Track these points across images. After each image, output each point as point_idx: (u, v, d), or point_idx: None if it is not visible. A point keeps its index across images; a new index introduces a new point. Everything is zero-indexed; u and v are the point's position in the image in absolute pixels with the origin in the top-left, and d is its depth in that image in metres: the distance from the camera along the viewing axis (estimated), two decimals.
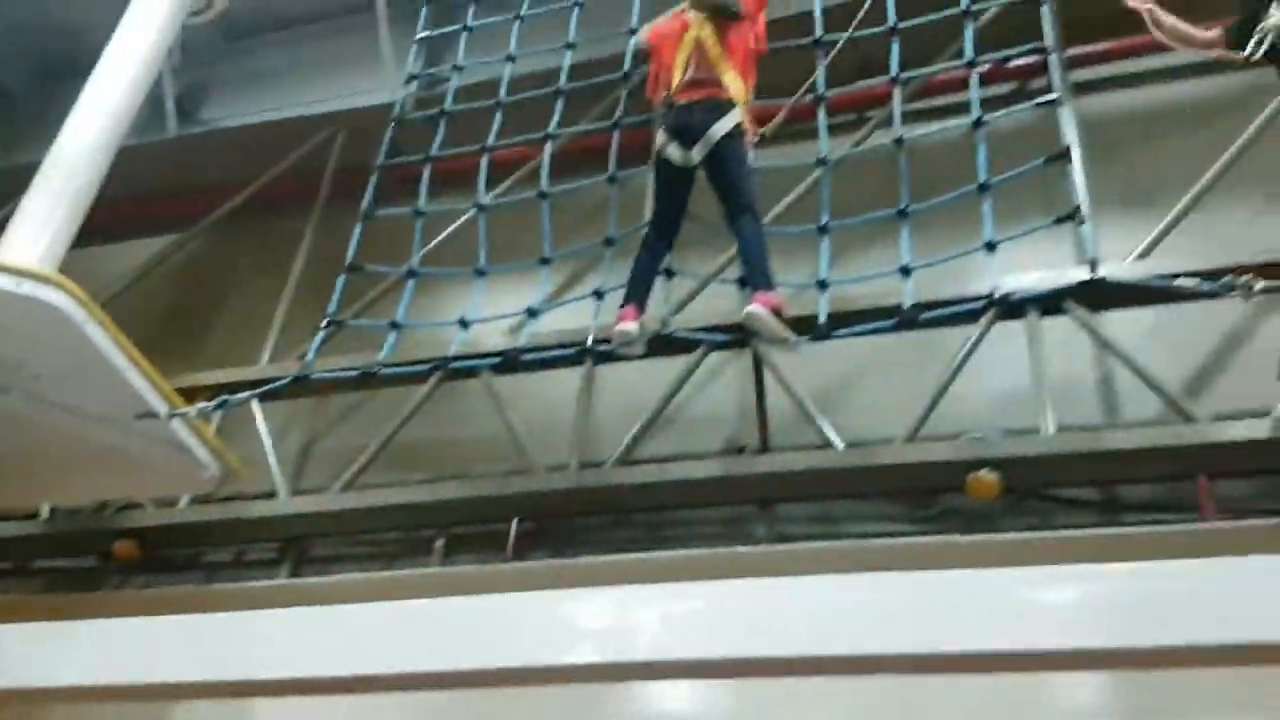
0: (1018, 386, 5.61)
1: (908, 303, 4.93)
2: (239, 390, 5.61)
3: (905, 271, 5.01)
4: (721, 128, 4.89)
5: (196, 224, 8.35)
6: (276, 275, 7.65)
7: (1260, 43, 4.31)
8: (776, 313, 4.75)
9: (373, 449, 6.37)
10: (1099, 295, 5.04)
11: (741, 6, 5.21)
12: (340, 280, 5.87)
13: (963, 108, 6.21)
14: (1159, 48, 6.42)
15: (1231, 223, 5.81)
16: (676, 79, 5.07)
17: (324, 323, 5.72)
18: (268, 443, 6.53)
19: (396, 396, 6.65)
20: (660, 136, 5.04)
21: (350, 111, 8.01)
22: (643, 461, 5.89)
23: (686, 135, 4.94)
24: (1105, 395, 5.73)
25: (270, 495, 6.41)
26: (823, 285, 5.11)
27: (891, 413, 5.80)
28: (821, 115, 5.60)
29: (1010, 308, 5.31)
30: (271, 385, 5.57)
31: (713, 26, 5.14)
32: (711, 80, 5.01)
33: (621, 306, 5.02)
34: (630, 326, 4.93)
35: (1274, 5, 4.32)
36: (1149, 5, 4.75)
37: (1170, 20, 4.74)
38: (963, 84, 6.51)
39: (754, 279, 4.86)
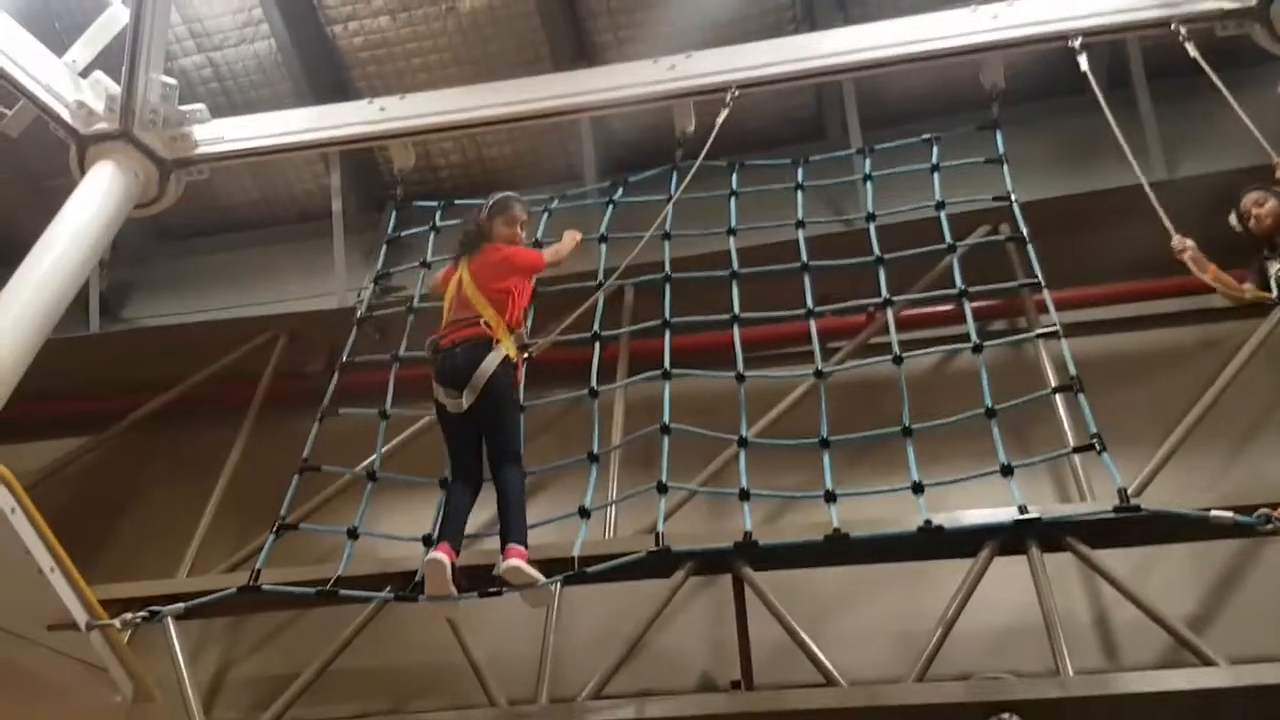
0: (1008, 624, 5.40)
1: (922, 520, 4.74)
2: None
3: (918, 488, 4.78)
4: (487, 368, 4.78)
5: (106, 428, 7.68)
6: (187, 484, 7.05)
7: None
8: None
9: (308, 675, 5.63)
10: (1122, 529, 4.85)
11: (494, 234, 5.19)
12: (294, 481, 5.40)
13: (924, 343, 6.30)
14: (1109, 298, 6.79)
15: (1211, 461, 5.84)
16: (444, 321, 5.05)
17: (274, 526, 5.17)
18: (183, 666, 5.70)
19: (322, 618, 5.99)
20: (435, 383, 4.93)
21: (293, 315, 7.68)
22: (617, 696, 5.33)
23: (452, 379, 4.82)
24: (1103, 635, 5.53)
25: None
26: (831, 497, 4.86)
27: (879, 648, 5.50)
28: (813, 329, 5.55)
29: (1013, 542, 5.10)
30: (213, 596, 4.93)
31: (468, 263, 5.13)
32: (471, 318, 4.92)
33: (434, 545, 4.71)
34: (441, 556, 4.59)
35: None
36: (1189, 253, 4.97)
37: (1213, 267, 4.98)
38: (925, 320, 6.74)
39: (508, 534, 4.65)
